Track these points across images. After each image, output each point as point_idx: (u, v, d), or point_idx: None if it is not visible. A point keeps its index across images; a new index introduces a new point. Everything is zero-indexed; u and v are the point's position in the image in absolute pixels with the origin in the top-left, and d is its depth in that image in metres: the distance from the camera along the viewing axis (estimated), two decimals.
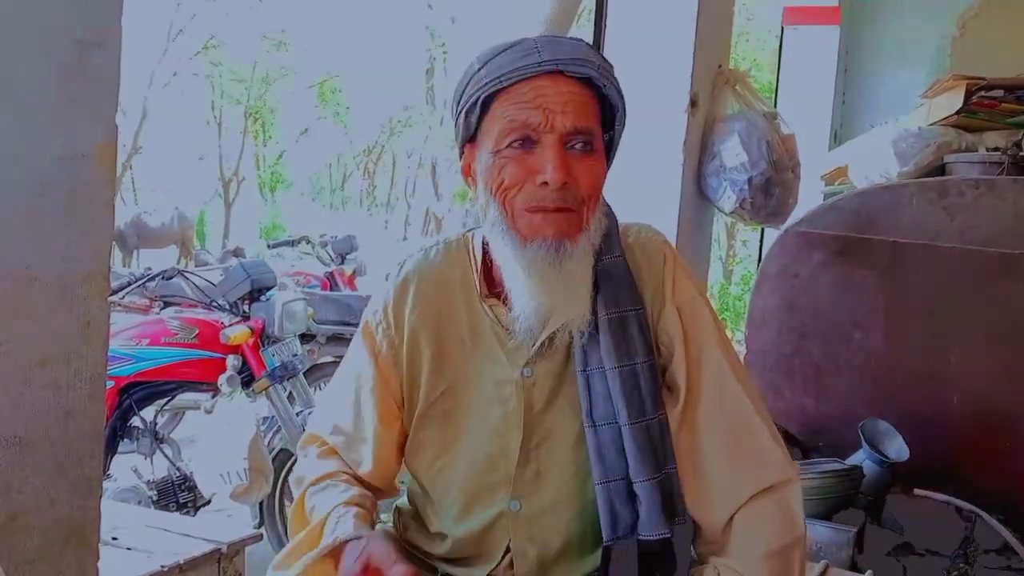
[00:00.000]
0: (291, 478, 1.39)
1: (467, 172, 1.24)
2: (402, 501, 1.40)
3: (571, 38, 1.23)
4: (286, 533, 3.18)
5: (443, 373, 1.28)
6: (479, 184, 1.21)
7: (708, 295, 1.33)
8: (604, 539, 1.19)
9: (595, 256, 1.20)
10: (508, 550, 1.26)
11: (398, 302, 1.30)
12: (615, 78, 1.21)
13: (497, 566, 1.26)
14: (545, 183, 1.13)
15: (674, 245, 1.34)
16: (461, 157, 1.25)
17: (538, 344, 1.22)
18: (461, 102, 1.20)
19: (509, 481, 1.25)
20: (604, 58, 1.21)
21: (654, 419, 1.20)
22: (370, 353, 1.32)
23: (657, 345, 1.25)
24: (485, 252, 1.27)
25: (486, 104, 1.17)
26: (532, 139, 1.14)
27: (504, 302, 1.23)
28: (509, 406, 1.24)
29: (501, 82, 1.15)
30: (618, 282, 1.22)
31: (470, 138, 1.22)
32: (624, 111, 1.23)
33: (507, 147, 1.15)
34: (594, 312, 1.20)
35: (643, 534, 1.19)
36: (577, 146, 1.15)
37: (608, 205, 1.26)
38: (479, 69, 1.18)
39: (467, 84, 1.19)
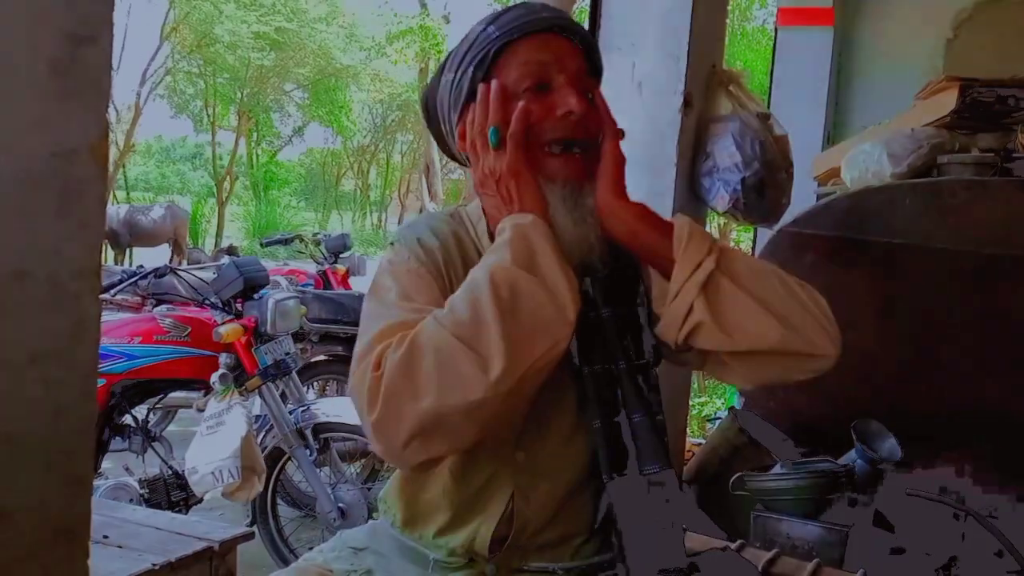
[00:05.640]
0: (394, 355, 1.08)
1: (464, 135, 1.24)
2: (385, 491, 1.36)
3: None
4: (278, 531, 3.18)
5: None
6: None
7: None
8: (604, 477, 1.20)
9: None
10: (507, 506, 1.24)
11: (425, 239, 1.25)
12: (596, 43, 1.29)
13: (497, 524, 1.24)
14: (568, 112, 1.17)
15: None
16: (459, 121, 1.25)
17: None
18: (467, 58, 1.22)
19: (514, 430, 1.23)
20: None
21: (643, 363, 1.22)
22: (403, 271, 1.21)
23: (647, 292, 1.26)
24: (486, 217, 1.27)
25: (496, 58, 1.20)
26: (546, 82, 1.19)
27: None
28: None
29: (512, 34, 1.20)
30: None
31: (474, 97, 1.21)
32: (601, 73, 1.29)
33: (523, 91, 1.19)
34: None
35: (643, 470, 1.19)
36: (587, 94, 1.21)
37: None
38: (486, 27, 1.22)
39: (474, 41, 1.22)
